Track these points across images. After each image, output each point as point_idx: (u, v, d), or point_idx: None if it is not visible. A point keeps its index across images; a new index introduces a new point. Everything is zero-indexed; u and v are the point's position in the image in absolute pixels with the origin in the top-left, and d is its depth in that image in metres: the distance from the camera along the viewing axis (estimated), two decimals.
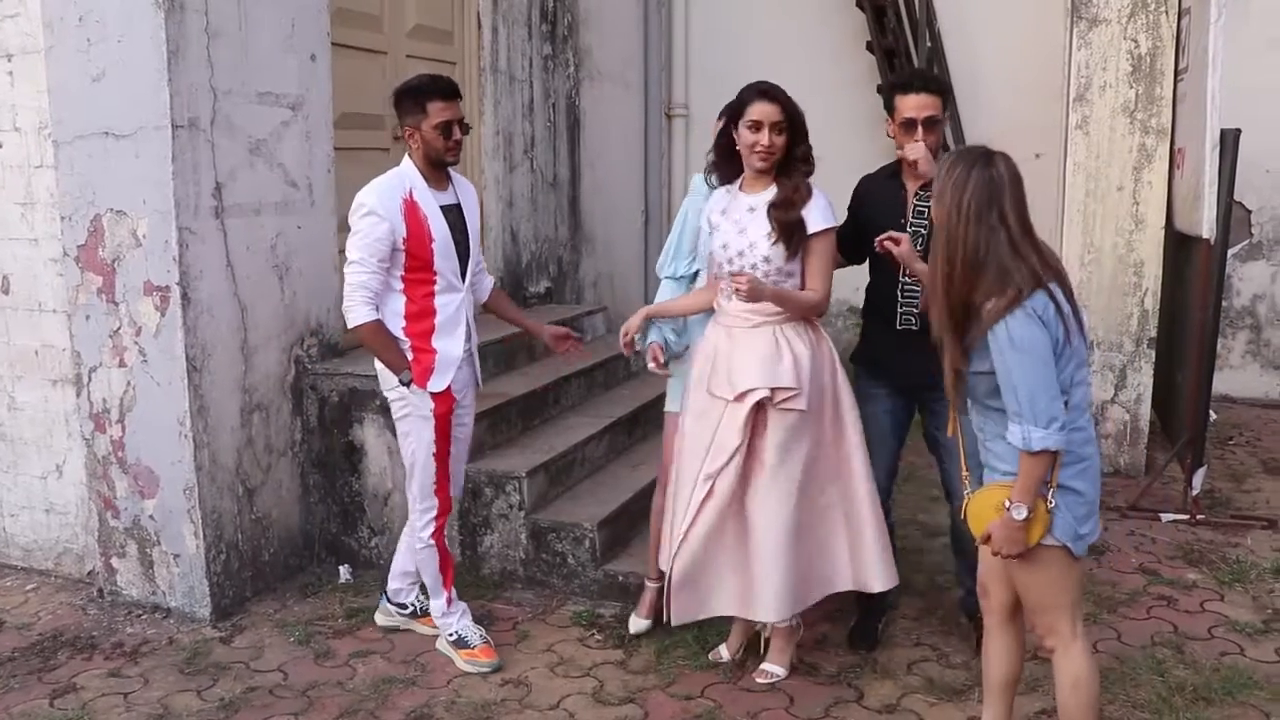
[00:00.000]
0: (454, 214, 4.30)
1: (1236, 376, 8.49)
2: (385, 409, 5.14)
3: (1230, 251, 6.46)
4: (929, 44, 8.22)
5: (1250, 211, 8.24)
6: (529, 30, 7.25)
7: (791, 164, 4.00)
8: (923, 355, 4.05)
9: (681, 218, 4.39)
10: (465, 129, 4.25)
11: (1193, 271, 6.00)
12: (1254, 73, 7.39)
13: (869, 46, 8.44)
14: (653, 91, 9.09)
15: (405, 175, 4.20)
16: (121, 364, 4.76)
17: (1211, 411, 6.15)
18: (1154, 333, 6.53)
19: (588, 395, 6.38)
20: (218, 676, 4.35)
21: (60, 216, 4.78)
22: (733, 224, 4.05)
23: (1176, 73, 6.34)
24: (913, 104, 4.11)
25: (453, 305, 4.28)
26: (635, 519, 5.19)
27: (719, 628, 4.57)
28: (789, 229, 3.95)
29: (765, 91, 3.95)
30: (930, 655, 4.44)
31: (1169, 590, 5.00)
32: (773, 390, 3.94)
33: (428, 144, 4.17)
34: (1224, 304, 6.69)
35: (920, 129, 4.10)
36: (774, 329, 4.02)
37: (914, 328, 4.15)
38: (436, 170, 4.26)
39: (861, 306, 4.49)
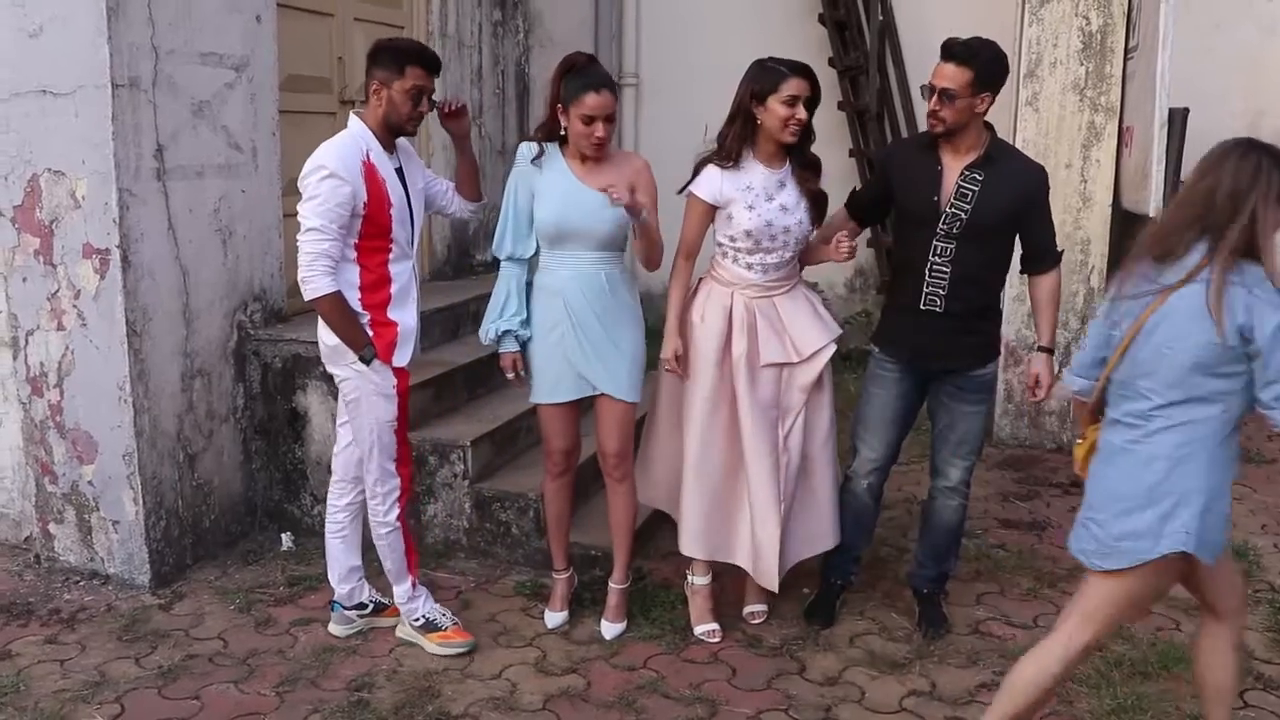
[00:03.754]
0: (400, 179, 4.10)
1: None
2: (329, 375, 5.09)
3: None
4: (880, 17, 8.21)
5: None
6: None
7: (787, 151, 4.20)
8: (941, 336, 4.11)
9: (512, 193, 4.19)
10: (432, 105, 4.05)
11: None
12: (1202, 53, 7.45)
13: (821, 18, 8.43)
14: (603, 59, 8.96)
15: (360, 137, 3.94)
16: (60, 327, 4.68)
17: None
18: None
19: None
20: (156, 644, 4.31)
21: None
22: (766, 200, 4.14)
23: (1126, 51, 6.37)
24: (936, 70, 3.99)
25: (406, 274, 4.09)
26: (581, 489, 5.17)
27: (660, 598, 4.60)
28: (818, 197, 4.24)
29: (800, 69, 4.08)
30: (873, 628, 4.47)
31: None
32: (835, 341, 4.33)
33: (393, 106, 3.92)
34: None
35: (933, 97, 3.97)
36: (801, 288, 4.37)
37: (937, 309, 4.10)
38: (388, 135, 4.02)
39: (886, 282, 4.48)
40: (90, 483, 4.78)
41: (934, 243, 4.06)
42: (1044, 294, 4.22)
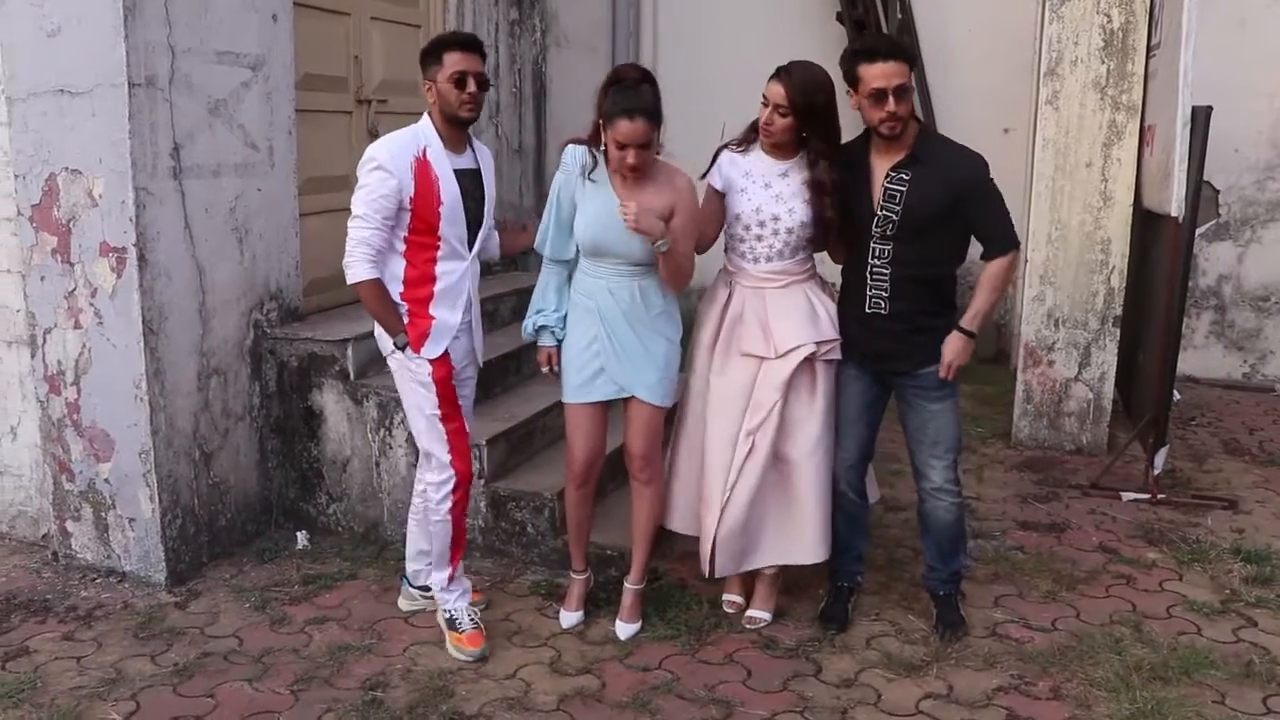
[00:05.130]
0: (470, 179, 4.14)
1: (1200, 357, 8.52)
2: (345, 375, 5.13)
3: (1197, 231, 6.45)
4: (899, 16, 8.19)
5: (1219, 191, 8.25)
6: None
7: (802, 145, 4.19)
8: (891, 338, 4.14)
9: (555, 199, 4.20)
10: (485, 85, 4.06)
11: (1160, 250, 6.00)
12: (1226, 50, 7.39)
13: (839, 17, 8.41)
14: (620, 58, 9.00)
15: (421, 133, 4.05)
16: (77, 326, 4.69)
17: (1175, 391, 6.16)
18: (1119, 311, 6.54)
19: None
20: (172, 641, 4.32)
21: (14, 175, 4.69)
22: (763, 187, 4.20)
23: (1148, 49, 6.32)
24: (880, 72, 3.92)
25: (455, 274, 4.14)
26: (598, 489, 5.15)
27: (676, 599, 4.58)
28: (827, 222, 4.17)
29: (778, 72, 4.10)
30: (889, 630, 4.44)
31: (1128, 569, 5.02)
32: (818, 344, 4.21)
33: (442, 96, 3.99)
34: (1189, 284, 6.69)
35: (891, 99, 3.92)
36: (803, 287, 4.28)
37: (882, 311, 4.13)
38: (455, 130, 4.09)
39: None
40: (107, 480, 4.79)
41: (871, 245, 4.10)
42: (985, 277, 4.17)
